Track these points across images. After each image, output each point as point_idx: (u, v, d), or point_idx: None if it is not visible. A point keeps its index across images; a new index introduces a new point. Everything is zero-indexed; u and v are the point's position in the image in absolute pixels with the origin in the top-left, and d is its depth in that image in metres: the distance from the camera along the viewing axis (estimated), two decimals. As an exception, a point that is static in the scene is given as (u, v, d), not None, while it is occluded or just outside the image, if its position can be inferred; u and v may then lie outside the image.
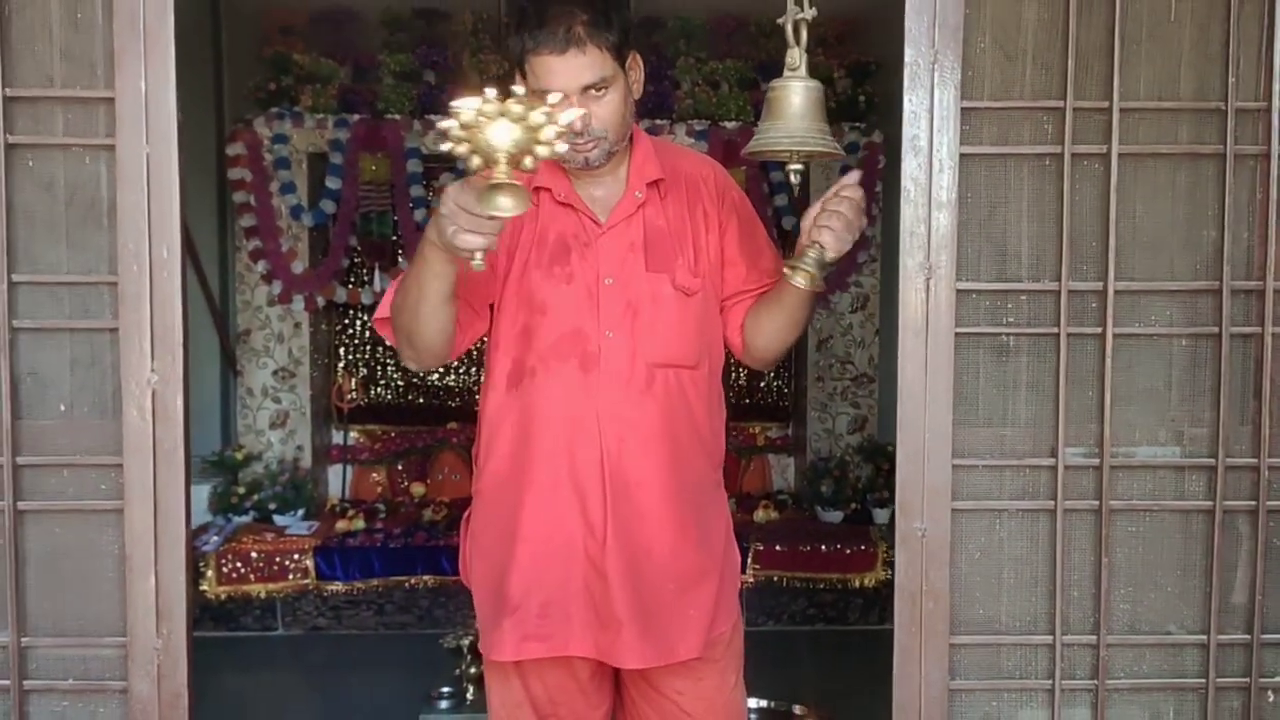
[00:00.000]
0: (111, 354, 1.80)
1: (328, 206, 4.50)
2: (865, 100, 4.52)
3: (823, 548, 4.21)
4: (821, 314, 4.65)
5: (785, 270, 1.63)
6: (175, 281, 1.77)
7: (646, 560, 1.72)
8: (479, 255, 1.40)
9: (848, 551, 4.20)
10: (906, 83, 1.73)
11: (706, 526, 1.79)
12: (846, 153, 4.52)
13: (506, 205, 1.32)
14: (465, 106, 1.30)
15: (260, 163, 4.46)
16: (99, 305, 1.81)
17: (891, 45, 1.73)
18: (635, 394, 1.70)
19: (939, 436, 1.77)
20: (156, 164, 1.75)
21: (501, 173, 1.32)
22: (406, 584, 4.18)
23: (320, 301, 4.57)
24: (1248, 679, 1.85)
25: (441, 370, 4.88)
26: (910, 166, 1.75)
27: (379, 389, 4.95)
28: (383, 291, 4.64)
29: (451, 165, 4.50)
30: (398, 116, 4.54)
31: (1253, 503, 1.82)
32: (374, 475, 4.82)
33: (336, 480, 4.81)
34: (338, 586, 4.15)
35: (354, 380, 4.86)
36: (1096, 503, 1.81)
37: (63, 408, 1.83)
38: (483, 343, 1.82)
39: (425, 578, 4.18)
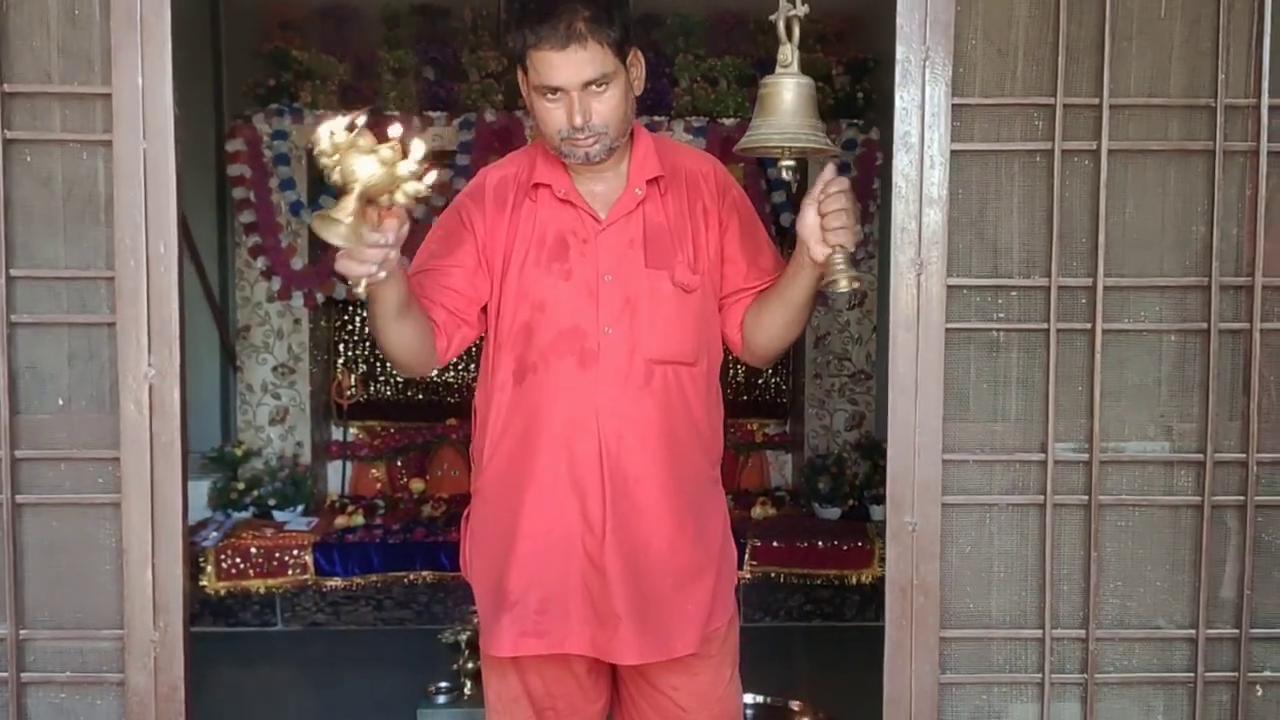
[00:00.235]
0: (109, 348, 1.81)
1: (327, 203, 4.50)
2: (864, 97, 4.53)
3: (820, 544, 4.22)
4: (820, 311, 4.65)
5: (826, 289, 1.63)
6: (172, 276, 1.78)
7: (644, 556, 1.73)
8: (360, 284, 1.39)
9: (845, 548, 4.21)
10: (898, 79, 1.74)
11: (704, 523, 1.80)
12: (845, 150, 4.53)
13: (332, 236, 1.31)
14: (324, 132, 1.29)
15: (260, 159, 4.47)
16: (96, 300, 1.82)
17: (890, 43, 1.74)
18: (634, 390, 1.71)
19: (929, 431, 1.78)
20: (153, 159, 1.76)
21: (342, 207, 1.30)
22: (405, 579, 4.20)
23: (320, 298, 4.58)
24: (1236, 673, 1.86)
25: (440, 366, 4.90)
26: (901, 163, 1.76)
27: (378, 385, 4.97)
28: (382, 288, 4.70)
29: (452, 162, 4.51)
30: (397, 113, 4.55)
31: (1241, 498, 1.83)
32: (373, 471, 4.84)
33: (336, 476, 4.83)
34: (337, 582, 4.17)
35: (354, 376, 4.88)
36: (1086, 498, 1.82)
37: (61, 402, 1.84)
38: (480, 340, 1.83)
39: (424, 573, 4.19)
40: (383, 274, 1.42)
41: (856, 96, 4.56)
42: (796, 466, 4.87)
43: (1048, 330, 1.80)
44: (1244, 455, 1.83)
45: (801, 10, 1.57)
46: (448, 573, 4.12)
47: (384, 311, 1.60)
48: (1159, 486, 1.85)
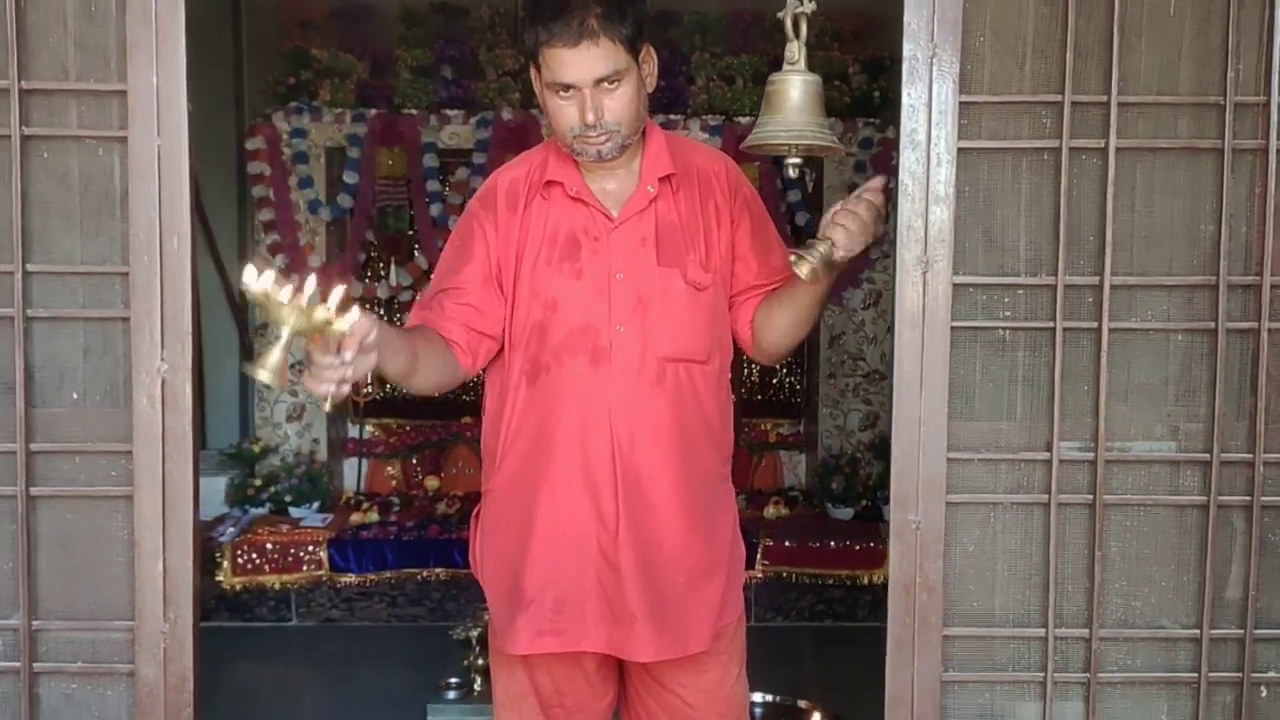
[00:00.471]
0: (123, 343, 1.83)
1: (345, 201, 4.55)
2: (880, 96, 4.52)
3: (832, 544, 4.21)
4: (834, 310, 4.65)
5: (790, 258, 1.61)
6: (185, 271, 1.80)
7: (658, 553, 1.73)
8: (327, 402, 1.41)
9: (857, 548, 4.20)
10: (905, 77, 1.74)
11: (715, 520, 1.81)
12: (860, 149, 4.53)
13: (263, 378, 1.34)
14: (251, 284, 1.31)
15: (279, 157, 4.51)
16: (111, 295, 1.84)
17: (905, 41, 1.74)
18: (646, 388, 1.72)
19: (934, 429, 1.78)
20: (167, 156, 1.79)
21: (269, 355, 1.32)
22: (419, 576, 4.22)
23: (337, 295, 4.61)
24: (1240, 674, 1.85)
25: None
26: (908, 160, 1.76)
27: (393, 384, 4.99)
28: (398, 286, 4.73)
29: (468, 160, 4.54)
30: (415, 111, 4.58)
31: (1247, 498, 1.82)
32: (389, 469, 4.87)
33: (352, 473, 4.86)
34: (351, 578, 4.19)
35: (369, 374, 4.90)
36: (1091, 497, 1.82)
37: (75, 395, 1.87)
38: None
39: (438, 570, 4.21)
40: (346, 389, 1.42)
41: (873, 95, 4.55)
42: (810, 466, 4.86)
43: (1054, 329, 1.80)
44: (1251, 455, 1.82)
45: (809, 8, 1.57)
46: (461, 570, 4.14)
47: (390, 374, 1.64)
48: (1165, 486, 1.84)
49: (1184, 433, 1.83)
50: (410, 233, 4.72)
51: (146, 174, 1.79)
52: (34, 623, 1.87)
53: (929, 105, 1.75)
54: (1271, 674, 1.87)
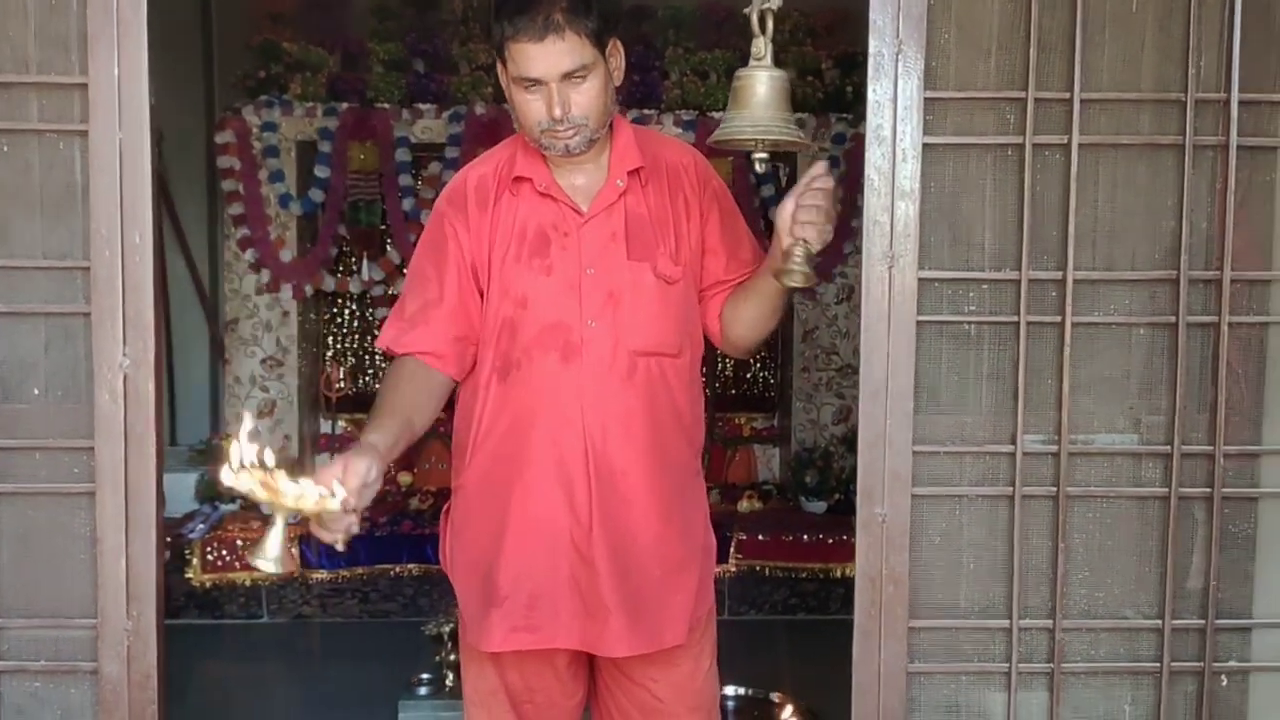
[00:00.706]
0: (85, 338, 1.81)
1: (316, 195, 4.52)
2: (852, 91, 4.54)
3: (805, 538, 4.23)
4: (807, 305, 4.67)
5: (778, 277, 1.62)
6: (147, 266, 1.78)
7: (632, 547, 1.73)
8: (338, 542, 1.45)
9: (830, 541, 4.22)
10: (871, 73, 1.75)
11: (688, 513, 1.81)
12: (833, 144, 4.54)
13: (266, 567, 1.39)
14: (232, 482, 1.34)
15: (249, 151, 4.47)
16: (73, 289, 1.82)
17: (877, 38, 1.74)
18: (618, 382, 1.72)
19: (900, 423, 1.79)
20: (129, 150, 1.77)
21: (269, 543, 1.37)
22: (391, 572, 4.21)
23: (308, 290, 4.59)
24: (1202, 663, 1.87)
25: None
26: (874, 156, 1.77)
27: (367, 378, 4.97)
28: (370, 281, 4.70)
29: (441, 155, 4.52)
30: (387, 105, 4.56)
31: (1208, 490, 1.85)
32: (361, 464, 4.84)
33: (324, 469, 4.84)
34: (323, 575, 4.17)
35: (342, 369, 4.88)
36: (1054, 489, 1.84)
37: (37, 391, 1.84)
38: None
39: (410, 566, 4.20)
40: (355, 528, 1.47)
41: (845, 91, 4.57)
42: (783, 460, 4.88)
43: (1018, 323, 1.81)
44: (1211, 448, 1.84)
45: (775, 3, 1.57)
46: (434, 566, 4.12)
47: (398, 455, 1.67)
48: (1127, 478, 1.86)
49: (1146, 425, 1.85)
50: (383, 227, 4.69)
51: (108, 168, 1.77)
52: (-4, 621, 1.85)
53: (894, 101, 1.76)
54: (1232, 663, 1.89)
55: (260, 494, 1.34)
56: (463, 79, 4.61)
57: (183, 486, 4.37)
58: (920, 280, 1.79)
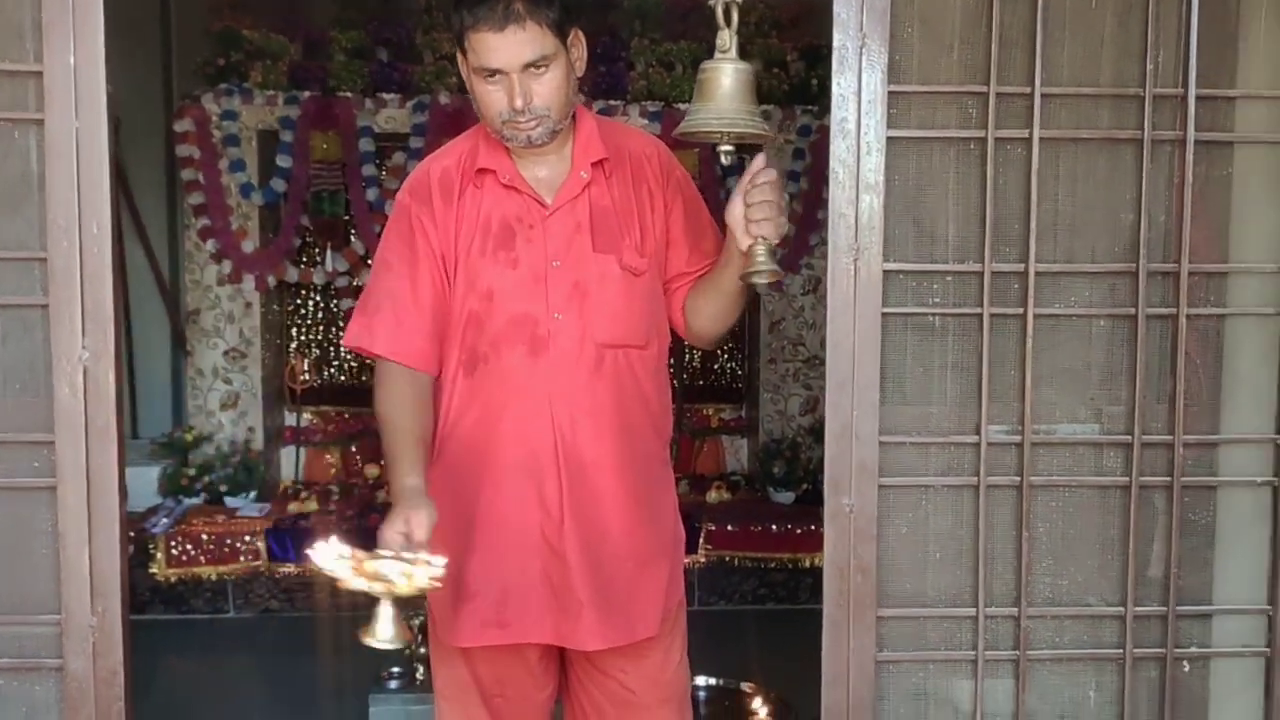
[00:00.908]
0: (43, 330, 1.78)
1: (278, 185, 4.47)
2: (817, 84, 4.56)
3: (774, 528, 4.26)
4: (774, 296, 4.69)
5: (745, 279, 1.63)
6: (105, 257, 1.76)
7: (604, 540, 1.73)
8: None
9: (798, 532, 4.26)
10: (835, 66, 1.75)
11: (658, 504, 1.82)
12: (799, 136, 4.56)
13: (383, 644, 1.48)
14: (329, 569, 1.45)
15: (209, 140, 4.41)
16: (30, 281, 1.79)
17: (842, 30, 1.74)
18: (585, 375, 1.71)
19: (866, 414, 1.81)
20: (86, 139, 1.74)
21: (382, 624, 1.46)
22: (359, 565, 4.18)
23: (271, 281, 4.54)
24: (1164, 649, 1.90)
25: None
26: (838, 149, 1.77)
27: (332, 370, 4.94)
28: (334, 272, 4.66)
29: (405, 145, 4.49)
30: (349, 94, 4.52)
31: (1168, 479, 1.88)
32: (327, 457, 4.81)
33: (289, 462, 4.80)
34: (290, 568, 4.15)
35: (306, 361, 4.84)
36: (1018, 479, 1.86)
37: (-6, 385, 1.82)
38: None
39: (378, 559, 4.18)
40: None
41: (811, 83, 4.59)
42: (751, 451, 4.91)
43: (981, 315, 1.83)
44: (1171, 437, 1.87)
45: (741, -4, 1.58)
46: (401, 558, 4.11)
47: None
48: (1089, 468, 1.89)
49: (1107, 415, 1.88)
50: (346, 218, 4.65)
51: (64, 157, 1.74)
52: (-46, 619, 1.82)
53: (858, 94, 1.76)
54: (1194, 649, 1.93)
55: (376, 589, 1.42)
56: (426, 68, 4.58)
57: (145, 480, 4.32)
58: (885, 272, 1.80)
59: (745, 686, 3.16)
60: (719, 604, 4.27)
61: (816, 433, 4.73)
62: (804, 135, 4.55)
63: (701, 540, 4.20)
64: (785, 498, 4.56)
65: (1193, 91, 1.81)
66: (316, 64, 4.56)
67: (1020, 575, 1.87)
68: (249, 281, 4.50)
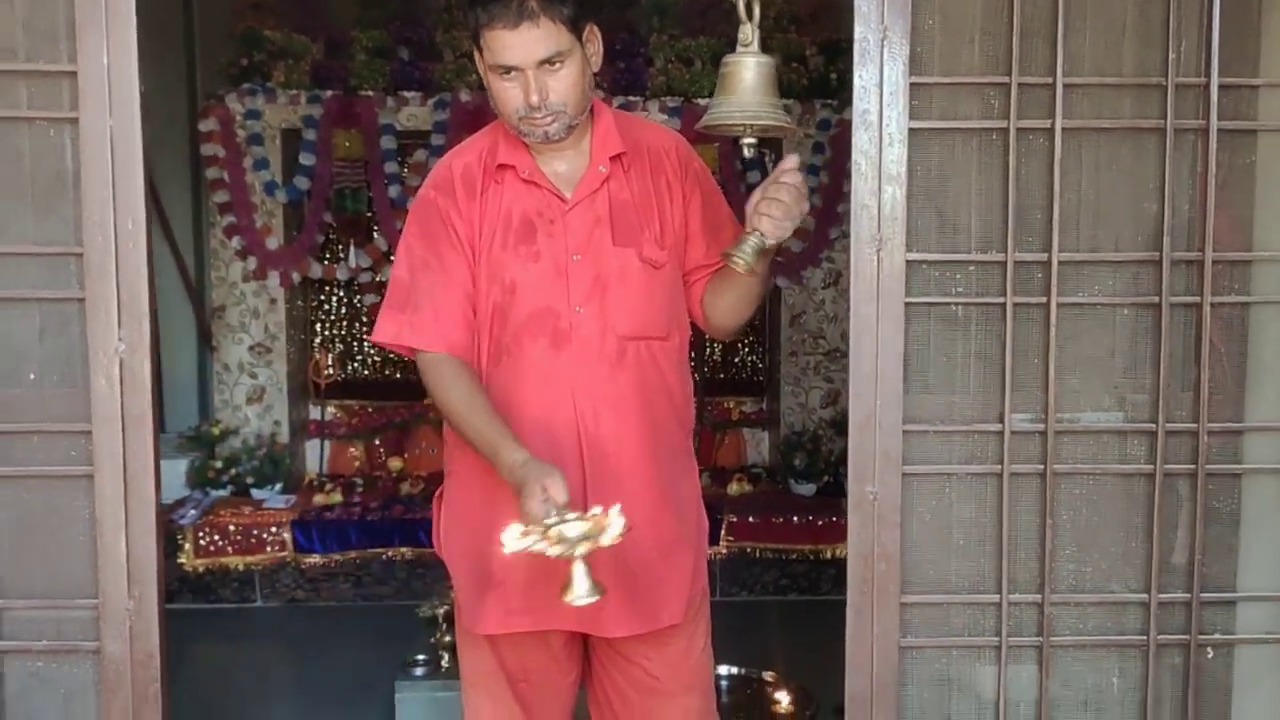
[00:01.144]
0: (79, 324, 1.82)
1: (301, 183, 4.51)
2: (837, 78, 4.56)
3: (795, 519, 4.27)
4: (794, 289, 4.69)
5: (724, 254, 1.62)
6: (140, 252, 1.79)
7: (628, 528, 1.75)
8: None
9: (820, 523, 4.26)
10: (856, 58, 1.77)
11: (681, 493, 1.83)
12: (819, 130, 4.56)
13: (584, 599, 1.54)
14: (516, 542, 1.51)
15: (233, 139, 4.45)
16: (66, 276, 1.83)
17: (861, 23, 1.75)
18: (607, 368, 1.73)
19: (890, 403, 1.82)
20: (120, 137, 1.78)
21: (578, 583, 1.53)
22: (384, 556, 4.23)
23: (296, 277, 4.58)
24: (1188, 636, 1.91)
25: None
26: (861, 141, 1.79)
27: (355, 364, 4.98)
28: (357, 267, 4.70)
29: (427, 142, 4.52)
30: (371, 93, 4.55)
31: (1192, 466, 1.88)
32: (351, 450, 4.86)
33: (314, 455, 4.84)
34: (316, 559, 4.19)
35: (330, 355, 4.88)
36: (1041, 467, 1.87)
37: (32, 376, 1.86)
38: None
39: (403, 549, 4.22)
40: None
41: (830, 77, 4.59)
42: (773, 443, 4.92)
43: (1004, 304, 1.84)
44: (1195, 425, 1.87)
45: (761, -12, 1.59)
46: (426, 549, 4.14)
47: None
48: (1113, 456, 1.89)
49: (1131, 404, 1.88)
50: (369, 214, 4.69)
51: (99, 155, 1.78)
52: (-3, 603, 1.87)
53: (880, 86, 1.77)
54: (1217, 636, 1.93)
55: (580, 550, 1.50)
56: (447, 66, 4.60)
57: (173, 473, 4.37)
58: (908, 263, 1.81)
59: (767, 676, 3.18)
60: (741, 595, 4.28)
61: (837, 425, 4.73)
62: (823, 129, 4.55)
63: (723, 532, 4.21)
64: (806, 490, 4.56)
65: (1215, 80, 1.81)
66: (338, 63, 4.59)
67: (1044, 562, 1.88)
68: (273, 278, 4.54)
